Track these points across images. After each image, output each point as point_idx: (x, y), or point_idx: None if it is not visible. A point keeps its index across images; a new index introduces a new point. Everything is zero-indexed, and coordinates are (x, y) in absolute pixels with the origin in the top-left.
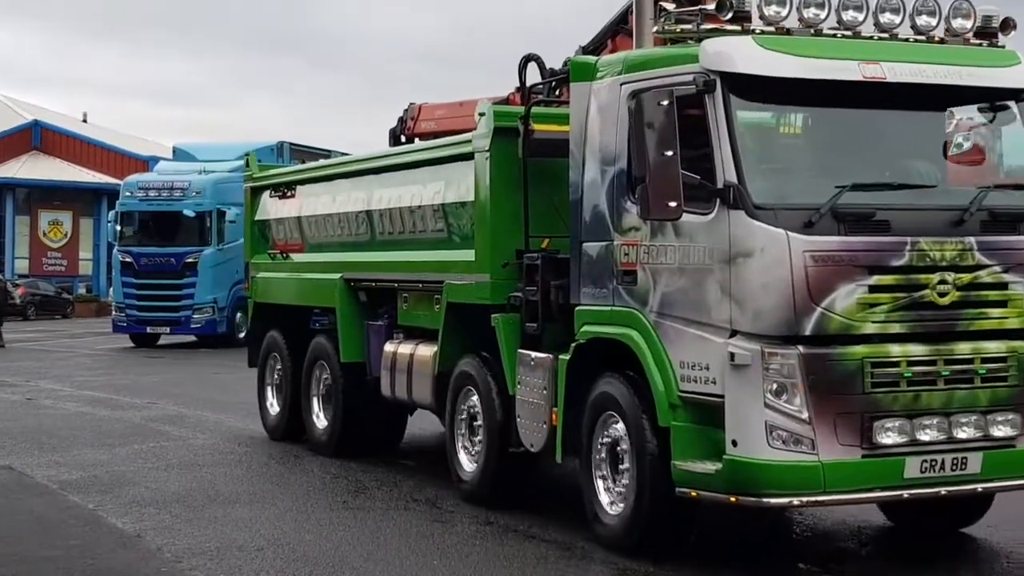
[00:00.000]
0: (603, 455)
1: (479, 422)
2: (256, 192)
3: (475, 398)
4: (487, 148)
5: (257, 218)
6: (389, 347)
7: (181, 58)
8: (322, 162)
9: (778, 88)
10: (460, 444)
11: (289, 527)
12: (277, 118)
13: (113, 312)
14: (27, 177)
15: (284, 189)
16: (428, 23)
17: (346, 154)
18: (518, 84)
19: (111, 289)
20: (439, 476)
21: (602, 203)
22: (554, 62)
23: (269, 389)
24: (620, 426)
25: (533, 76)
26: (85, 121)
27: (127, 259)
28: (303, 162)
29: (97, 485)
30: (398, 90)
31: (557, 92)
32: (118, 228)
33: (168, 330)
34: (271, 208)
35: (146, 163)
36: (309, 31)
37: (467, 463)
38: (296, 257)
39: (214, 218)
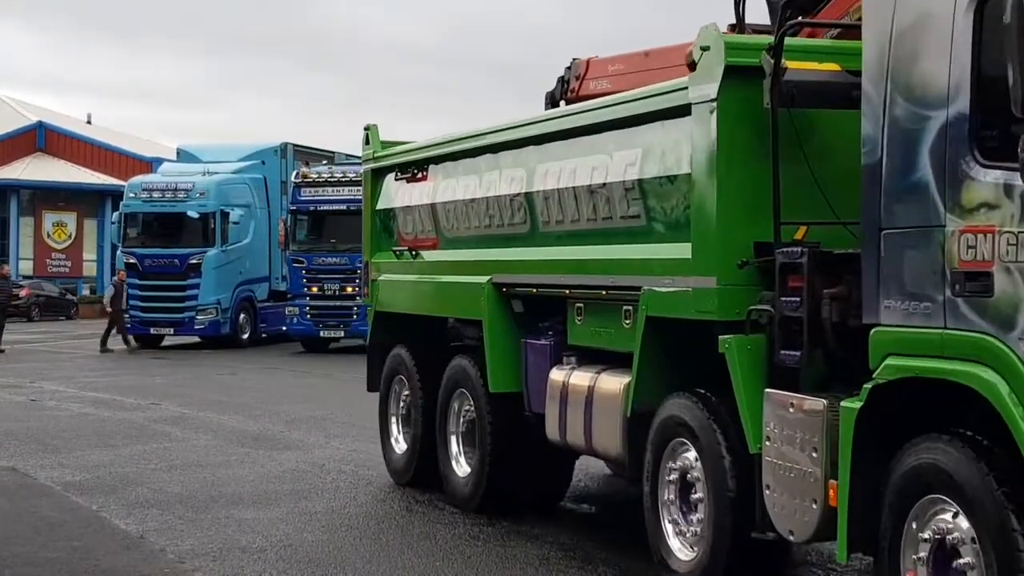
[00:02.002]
0: (921, 560)
1: (698, 492)
2: (378, 175)
3: (691, 455)
4: (714, 97)
5: (379, 207)
6: (557, 375)
7: (176, 60)
8: (465, 131)
9: None
10: (667, 519)
11: (292, 528)
12: (272, 120)
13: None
14: (31, 178)
15: (414, 169)
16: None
17: (353, 156)
18: (734, 18)
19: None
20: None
21: (923, 167)
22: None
23: (393, 421)
24: (962, 523)
25: (757, 9)
26: (89, 123)
27: (131, 260)
28: (307, 164)
29: (100, 486)
30: (393, 91)
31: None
32: (122, 229)
33: (172, 331)
34: (397, 194)
35: (150, 164)
36: (305, 33)
37: (680, 549)
38: (429, 255)
39: (218, 219)
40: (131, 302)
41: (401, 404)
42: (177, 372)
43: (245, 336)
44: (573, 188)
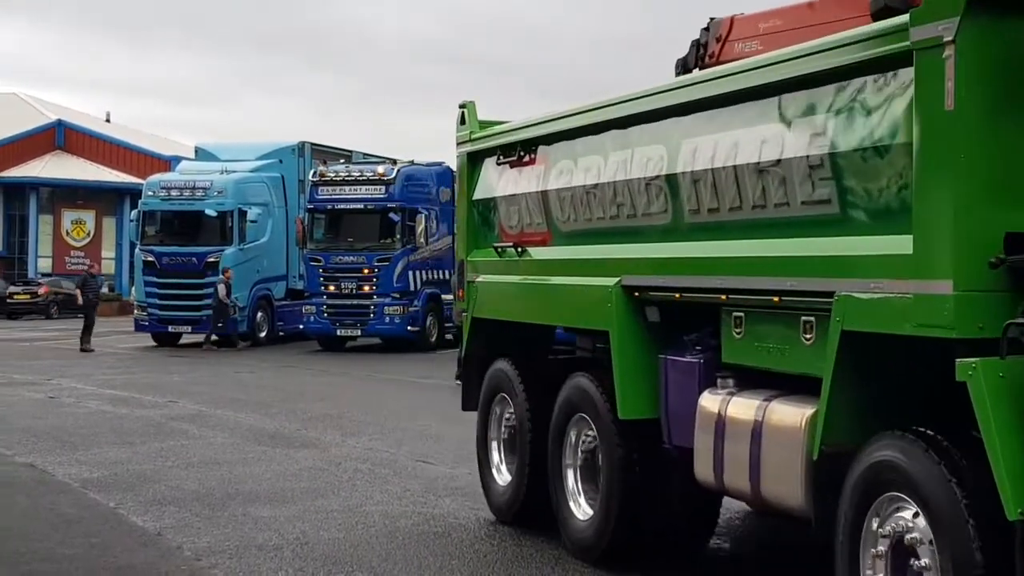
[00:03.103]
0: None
1: (923, 560)
2: (475, 160)
3: (914, 517)
4: (951, 38)
5: (476, 197)
6: (710, 401)
7: (187, 58)
8: (585, 104)
9: None
10: None
11: (308, 526)
12: (285, 117)
13: (135, 311)
14: (50, 176)
15: (520, 151)
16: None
17: (370, 155)
18: None
19: (133, 288)
20: (454, 472)
21: None
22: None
23: (495, 447)
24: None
25: None
26: (108, 121)
27: (149, 258)
28: (325, 163)
29: (118, 483)
30: (404, 89)
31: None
32: (140, 227)
33: (190, 329)
34: (499, 181)
35: (168, 163)
36: (316, 31)
37: None
38: (539, 253)
39: (235, 218)
40: (149, 300)
41: (503, 428)
42: (195, 370)
43: (263, 334)
44: (733, 167)
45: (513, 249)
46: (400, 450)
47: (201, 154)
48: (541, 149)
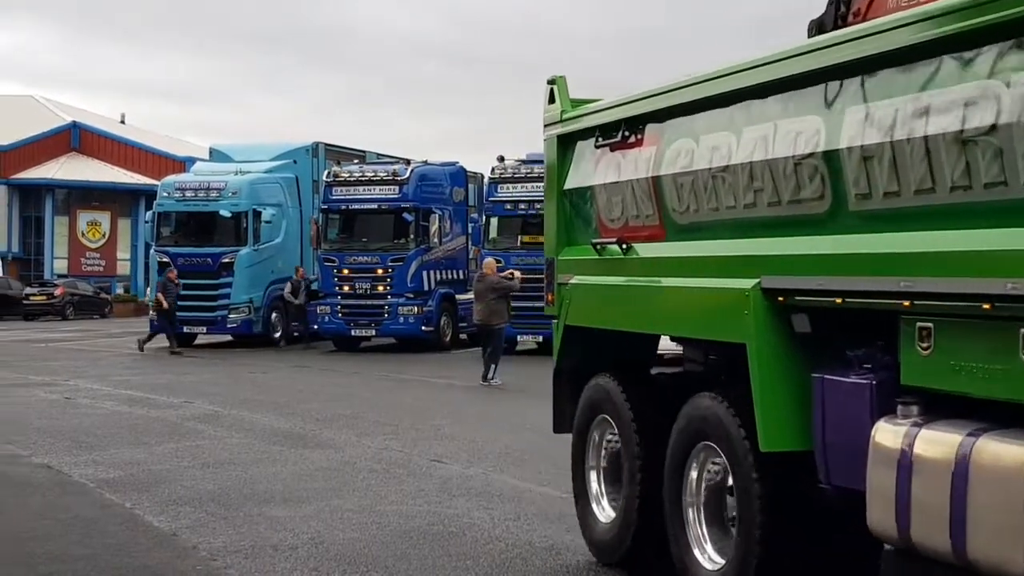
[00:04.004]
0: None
1: None
2: (567, 143)
3: None
4: None
5: (569, 186)
6: (888, 432)
7: (193, 58)
8: (711, 71)
9: None
10: None
11: (323, 526)
12: (292, 117)
13: (151, 312)
14: (66, 178)
15: (626, 131)
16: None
17: (384, 155)
18: None
19: (148, 289)
20: (468, 472)
21: None
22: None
23: (594, 477)
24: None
25: None
26: (123, 123)
27: (164, 259)
28: (338, 163)
29: (134, 484)
30: (412, 89)
31: None
32: (155, 228)
33: (204, 330)
34: (598, 166)
35: (183, 164)
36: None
37: None
38: (649, 249)
39: (250, 218)
40: None
41: (605, 454)
42: (209, 370)
43: (277, 335)
44: (923, 138)
45: (616, 246)
46: (414, 450)
47: (215, 155)
48: (651, 128)
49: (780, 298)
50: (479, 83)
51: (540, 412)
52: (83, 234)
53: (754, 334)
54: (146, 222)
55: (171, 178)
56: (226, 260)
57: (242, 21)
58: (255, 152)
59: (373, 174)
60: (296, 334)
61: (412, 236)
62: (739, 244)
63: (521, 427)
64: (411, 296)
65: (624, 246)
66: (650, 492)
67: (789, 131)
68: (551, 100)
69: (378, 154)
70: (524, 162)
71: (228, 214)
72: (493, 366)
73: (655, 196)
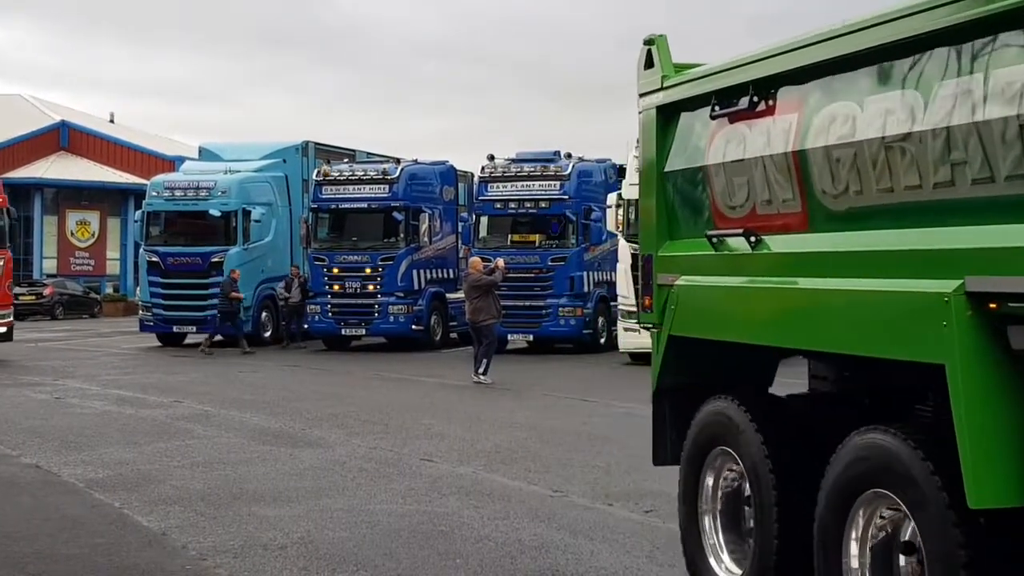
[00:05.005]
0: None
1: None
2: (669, 115)
3: None
4: None
5: (672, 167)
6: None
7: (185, 56)
8: (882, 11)
9: None
10: None
11: (312, 525)
12: (284, 116)
13: (140, 311)
14: (55, 177)
15: (755, 96)
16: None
17: (373, 154)
18: None
19: (138, 288)
20: (458, 471)
21: None
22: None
23: (708, 522)
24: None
25: None
26: (112, 122)
27: (154, 259)
28: (328, 163)
29: (123, 483)
30: (410, 88)
31: None
32: (145, 228)
33: (194, 329)
34: (713, 141)
35: (172, 163)
36: (316, 29)
37: None
38: (788, 243)
39: (240, 218)
40: (154, 300)
41: (724, 496)
42: (199, 370)
43: (267, 334)
44: None
45: (743, 238)
46: (404, 449)
47: (205, 154)
48: (792, 90)
49: (992, 304)
50: (479, 83)
51: (530, 411)
52: (72, 233)
53: (958, 352)
54: (135, 221)
55: (160, 177)
56: (216, 259)
57: (236, 19)
58: (245, 151)
59: (363, 173)
60: (287, 333)
61: (402, 235)
62: (929, 235)
63: (511, 426)
64: (401, 295)
65: (753, 239)
66: (791, 547)
67: (1010, 83)
68: (648, 64)
69: (368, 153)
70: (514, 161)
71: (218, 213)
72: (485, 361)
73: (797, 176)
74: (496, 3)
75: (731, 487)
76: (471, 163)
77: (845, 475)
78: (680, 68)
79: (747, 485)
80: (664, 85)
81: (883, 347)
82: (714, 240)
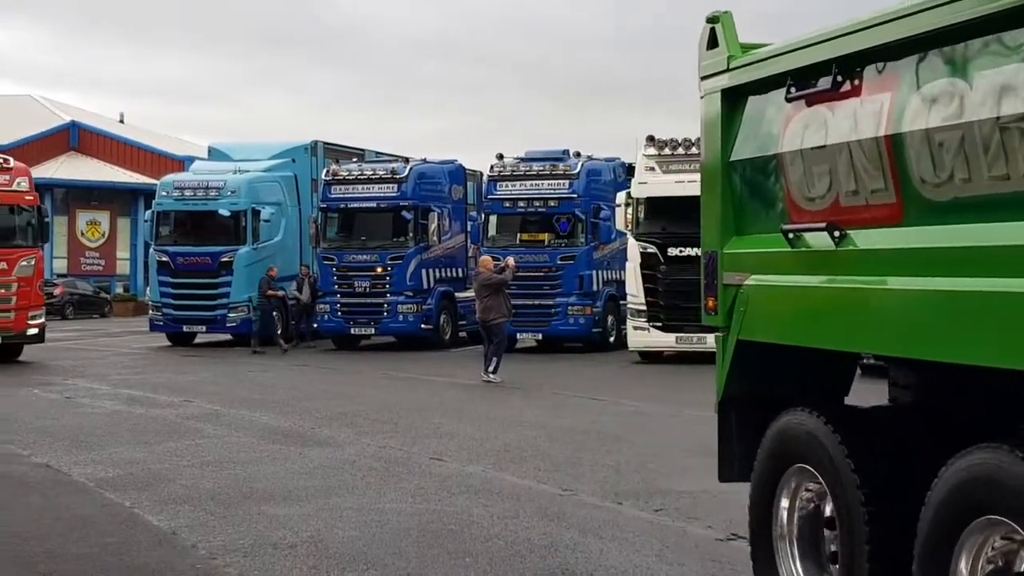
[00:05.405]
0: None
1: None
2: (735, 99)
3: None
4: None
5: (740, 156)
6: None
7: (188, 56)
8: None
9: None
10: None
11: (322, 524)
12: (288, 116)
13: (150, 311)
14: (65, 177)
15: (839, 75)
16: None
17: (382, 153)
18: None
19: (148, 288)
20: (467, 470)
21: None
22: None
23: (784, 547)
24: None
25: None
26: (122, 122)
27: (163, 258)
28: (337, 162)
29: (133, 483)
30: (409, 88)
31: None
32: (155, 227)
33: (204, 328)
34: (788, 126)
35: (182, 163)
36: (315, 28)
37: None
38: (878, 237)
39: (249, 217)
40: (164, 300)
41: (802, 519)
42: (209, 369)
43: (278, 332)
44: None
45: (826, 232)
46: (413, 448)
47: (214, 154)
48: (882, 68)
49: None
50: (479, 83)
51: (539, 410)
52: (82, 233)
53: None
54: (145, 221)
55: (170, 177)
56: (225, 259)
57: (236, 19)
58: (254, 151)
59: (372, 172)
60: (296, 332)
61: (411, 234)
62: None
63: (520, 425)
64: (410, 294)
65: (837, 234)
66: (882, 573)
67: None
68: (712, 44)
69: (377, 152)
70: (523, 160)
71: (227, 213)
72: (495, 359)
73: (891, 163)
74: (496, 3)
75: (809, 508)
76: (471, 163)
77: (952, 500)
78: (747, 48)
79: (829, 506)
80: (731, 67)
81: (993, 355)
82: (789, 235)
